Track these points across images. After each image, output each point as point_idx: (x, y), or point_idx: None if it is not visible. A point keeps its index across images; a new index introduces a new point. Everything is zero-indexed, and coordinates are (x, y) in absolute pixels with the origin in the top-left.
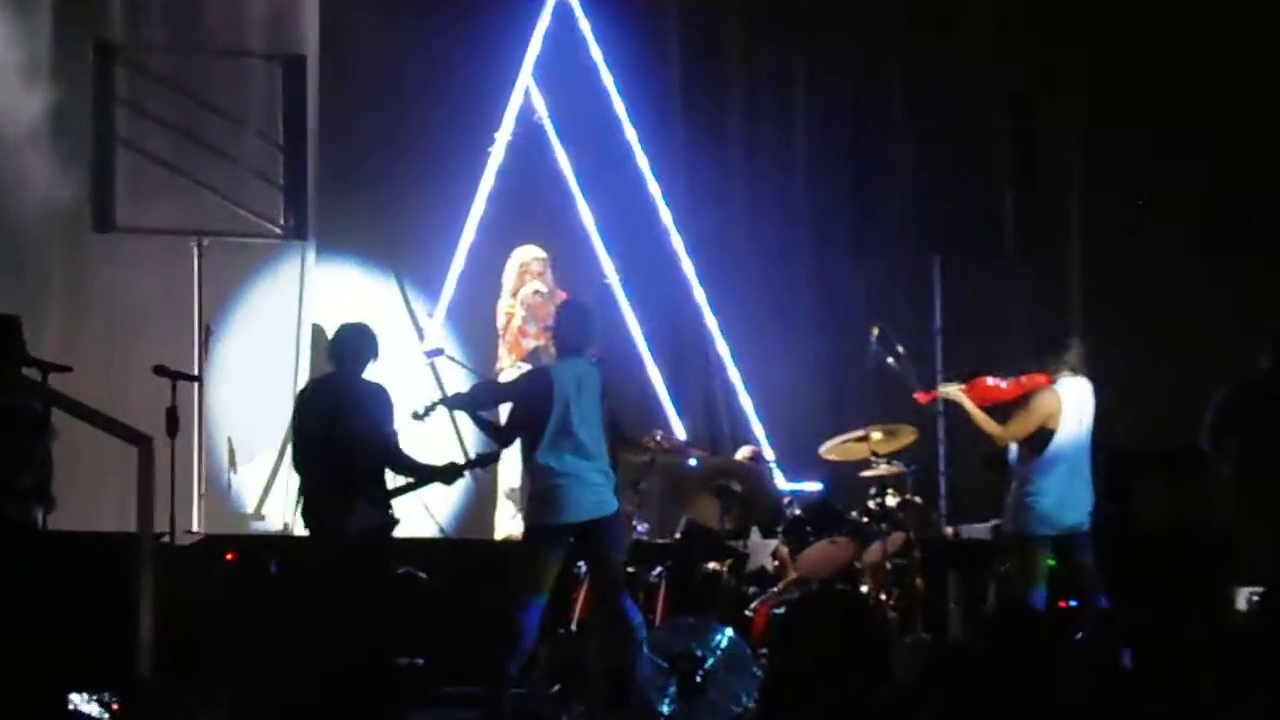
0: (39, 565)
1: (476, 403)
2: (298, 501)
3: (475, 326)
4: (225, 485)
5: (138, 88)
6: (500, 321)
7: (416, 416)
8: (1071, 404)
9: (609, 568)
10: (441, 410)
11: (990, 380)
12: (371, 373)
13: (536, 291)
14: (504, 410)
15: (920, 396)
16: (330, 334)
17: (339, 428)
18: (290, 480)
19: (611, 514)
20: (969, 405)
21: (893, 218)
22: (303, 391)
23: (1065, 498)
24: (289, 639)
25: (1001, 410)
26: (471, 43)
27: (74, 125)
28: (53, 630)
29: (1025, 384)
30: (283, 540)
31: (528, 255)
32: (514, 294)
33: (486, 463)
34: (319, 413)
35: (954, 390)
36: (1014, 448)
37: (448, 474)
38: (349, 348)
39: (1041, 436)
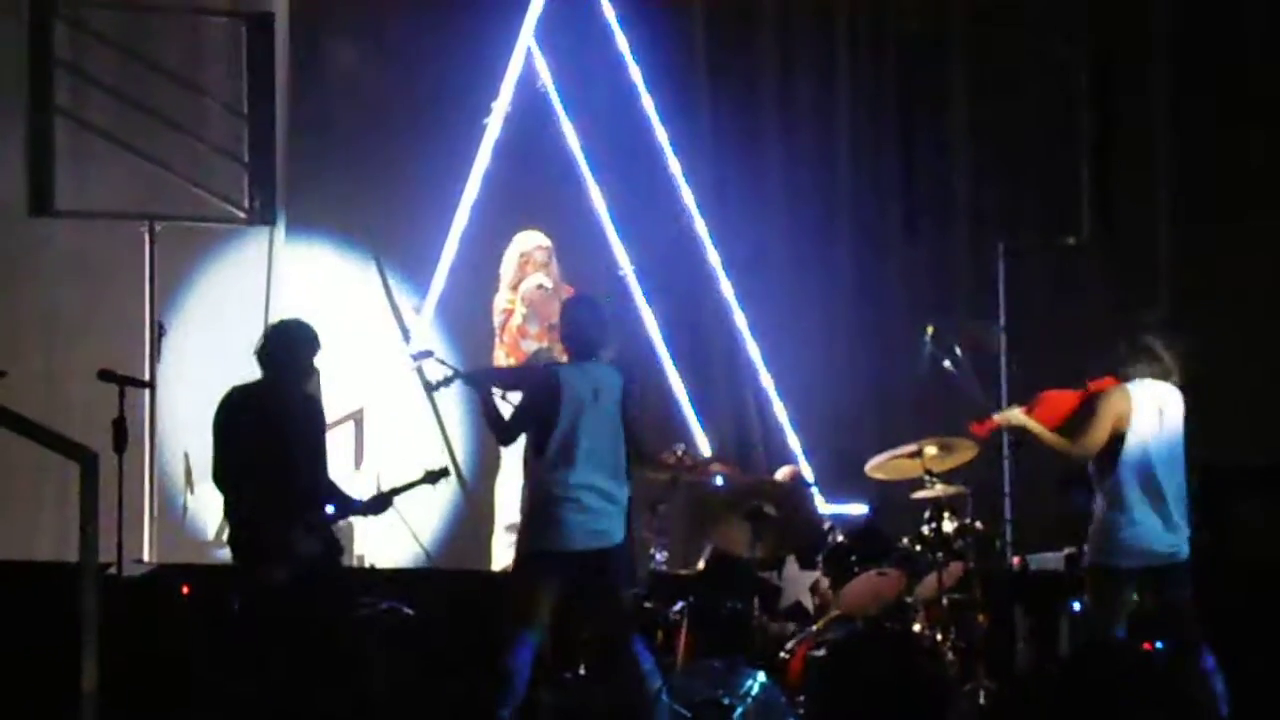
0: None
1: (490, 383)
2: (224, 527)
3: (469, 325)
4: (180, 508)
5: (80, 49)
6: (497, 319)
7: (431, 387)
8: (1147, 405)
9: (614, 606)
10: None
11: (1055, 394)
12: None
13: (540, 285)
14: (508, 405)
15: (977, 429)
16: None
17: (272, 445)
18: None
19: (617, 545)
20: (1032, 425)
21: (948, 200)
22: (227, 398)
23: (1154, 523)
24: (255, 686)
25: (1072, 426)
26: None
27: (6, 93)
28: None
29: (1093, 389)
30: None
31: (530, 243)
32: (514, 287)
33: (422, 484)
34: (249, 426)
35: (1016, 414)
36: (1092, 467)
37: (376, 505)
38: (284, 350)
39: (1114, 445)
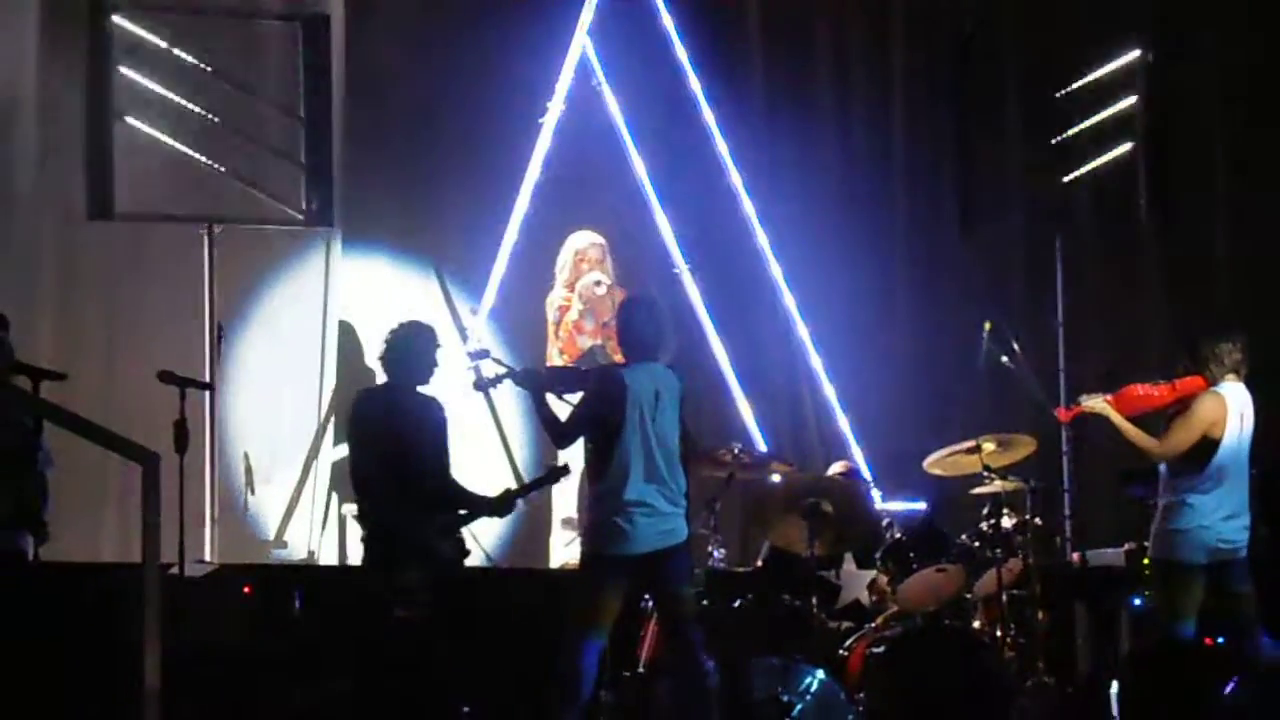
0: (27, 602)
1: (546, 383)
2: (367, 527)
3: (525, 324)
4: (241, 508)
5: (137, 53)
6: (552, 316)
7: (479, 386)
8: (1235, 410)
9: (679, 604)
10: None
11: (1140, 389)
12: (431, 384)
13: (597, 282)
14: (565, 407)
15: (1062, 413)
16: (369, 333)
17: (400, 448)
18: (315, 503)
19: (681, 543)
20: (1117, 419)
21: (1005, 189)
22: (355, 403)
23: (1224, 520)
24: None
25: (1149, 420)
26: (520, 2)
27: (66, 99)
28: (46, 675)
29: (1180, 388)
30: (307, 570)
31: (584, 241)
32: (569, 286)
33: (546, 484)
34: (376, 430)
35: (1099, 402)
36: (1165, 465)
37: (501, 505)
38: (404, 353)
39: (1203, 449)
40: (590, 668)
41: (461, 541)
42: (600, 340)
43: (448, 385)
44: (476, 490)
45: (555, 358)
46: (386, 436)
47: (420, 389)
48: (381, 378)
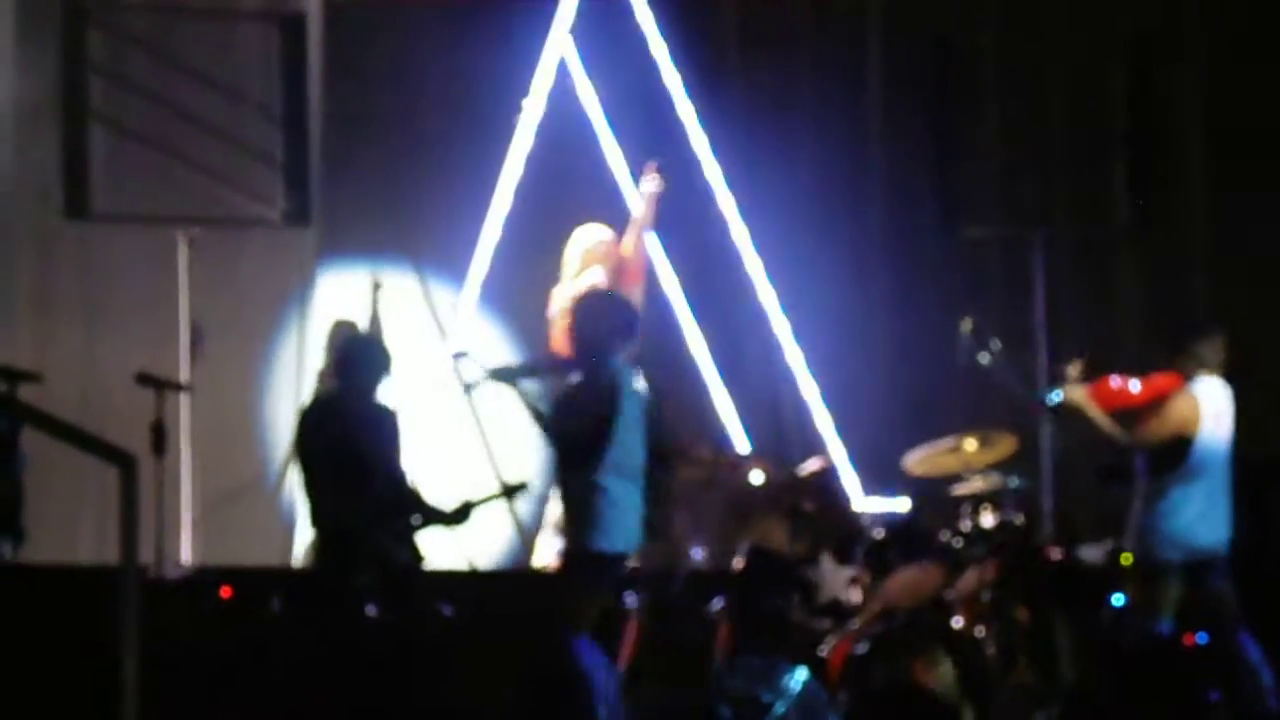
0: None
1: (535, 372)
2: (315, 536)
3: (506, 322)
4: (219, 510)
5: (114, 54)
6: (555, 309)
7: (468, 388)
8: (1209, 408)
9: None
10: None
11: (1115, 382)
12: (383, 391)
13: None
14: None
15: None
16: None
17: (347, 454)
18: (294, 507)
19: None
20: (1091, 409)
21: (984, 186)
22: (306, 410)
23: (1202, 517)
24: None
25: (1127, 415)
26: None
27: (41, 98)
28: (22, 679)
29: (1154, 386)
30: (286, 573)
31: (592, 237)
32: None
33: (504, 498)
34: (325, 436)
35: (1079, 393)
36: (1139, 459)
37: (457, 516)
38: (358, 362)
39: (1176, 447)
40: (597, 664)
41: (416, 547)
42: None
43: (422, 385)
44: (437, 499)
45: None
46: (329, 444)
47: (374, 396)
48: None
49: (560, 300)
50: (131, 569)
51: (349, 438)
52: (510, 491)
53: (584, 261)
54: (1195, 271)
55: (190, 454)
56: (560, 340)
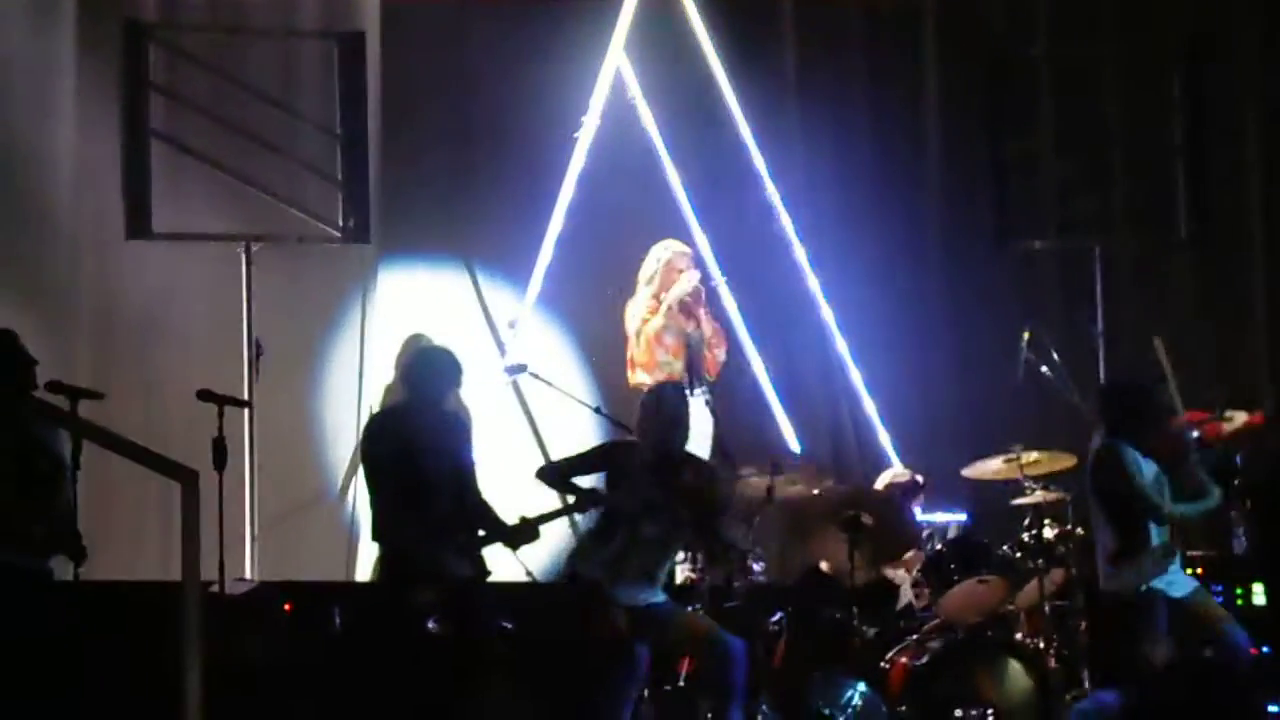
0: (64, 621)
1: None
2: (378, 550)
3: (563, 337)
4: (281, 525)
5: (174, 73)
6: (633, 326)
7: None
8: None
9: None
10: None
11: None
12: (452, 402)
13: (696, 286)
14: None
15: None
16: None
17: (411, 465)
18: (356, 522)
19: None
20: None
21: (1041, 200)
22: (369, 424)
23: None
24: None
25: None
26: (554, 16)
27: (102, 117)
28: (84, 695)
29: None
30: (347, 588)
31: (673, 250)
32: (656, 296)
33: (567, 514)
34: (390, 446)
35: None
36: None
37: (518, 534)
38: (426, 371)
39: None
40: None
41: (482, 561)
42: (674, 357)
43: (481, 398)
44: (501, 514)
45: (634, 372)
46: (394, 457)
47: (443, 406)
48: None
49: (636, 315)
50: (194, 585)
51: (414, 448)
52: (571, 509)
53: (667, 273)
54: (1256, 283)
55: (252, 469)
56: (642, 354)
